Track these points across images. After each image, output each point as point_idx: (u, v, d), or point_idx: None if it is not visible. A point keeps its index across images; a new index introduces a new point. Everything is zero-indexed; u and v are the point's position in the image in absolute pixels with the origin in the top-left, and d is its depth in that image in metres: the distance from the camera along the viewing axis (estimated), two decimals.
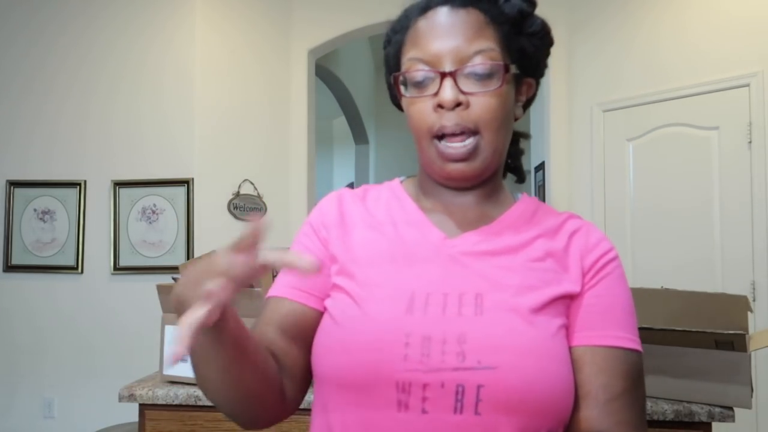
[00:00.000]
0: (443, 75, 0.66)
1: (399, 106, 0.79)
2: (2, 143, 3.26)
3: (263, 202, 3.34)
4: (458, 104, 0.66)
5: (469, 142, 0.67)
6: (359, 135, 6.22)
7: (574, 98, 3.40)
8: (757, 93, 2.74)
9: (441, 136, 0.67)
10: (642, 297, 1.38)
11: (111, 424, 2.52)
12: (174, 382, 1.62)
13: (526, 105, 0.77)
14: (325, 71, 4.71)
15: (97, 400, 3.07)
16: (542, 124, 3.57)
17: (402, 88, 0.70)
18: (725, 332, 1.35)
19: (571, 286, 0.68)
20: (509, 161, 0.82)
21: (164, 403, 1.56)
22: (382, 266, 0.69)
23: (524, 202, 0.77)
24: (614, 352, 0.67)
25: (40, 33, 3.26)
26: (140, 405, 1.60)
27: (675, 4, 3.03)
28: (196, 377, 0.64)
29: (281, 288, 0.73)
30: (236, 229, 3.23)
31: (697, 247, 2.87)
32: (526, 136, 0.82)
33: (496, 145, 0.69)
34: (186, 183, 3.11)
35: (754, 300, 2.69)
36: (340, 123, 7.41)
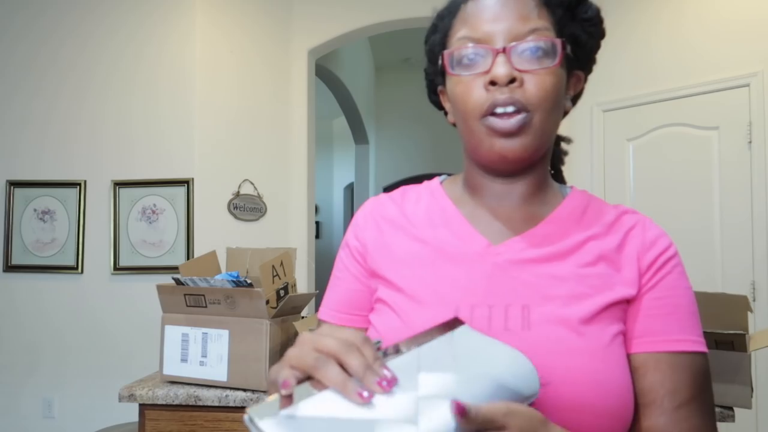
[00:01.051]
0: (496, 52, 0.63)
1: (437, 104, 0.76)
2: (2, 143, 3.26)
3: (263, 202, 3.34)
4: (512, 81, 0.62)
5: (521, 117, 0.62)
6: (359, 135, 6.23)
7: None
8: (757, 93, 2.74)
9: (491, 114, 0.63)
10: None
11: (111, 424, 2.52)
12: (174, 382, 1.62)
13: (574, 100, 0.73)
14: (325, 71, 4.71)
15: (97, 400, 3.07)
16: None
17: (449, 67, 0.66)
18: (725, 332, 1.35)
19: (625, 290, 0.65)
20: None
21: (164, 403, 1.56)
22: (424, 278, 0.67)
23: (574, 197, 0.73)
24: (679, 357, 0.63)
25: (41, 32, 3.26)
26: (140, 405, 1.60)
27: (675, 4, 3.03)
28: None
29: (329, 311, 0.75)
30: (236, 229, 3.23)
31: (698, 248, 2.87)
32: (569, 140, 0.79)
33: (547, 126, 0.65)
34: (186, 183, 3.11)
35: (754, 300, 2.69)
36: (340, 123, 7.41)
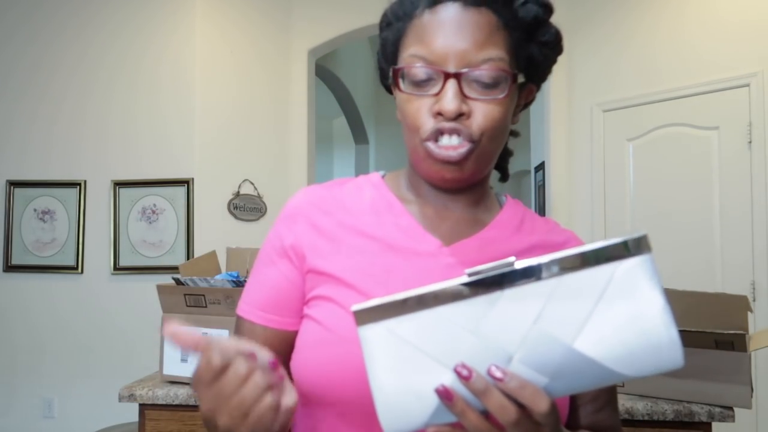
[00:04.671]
0: (447, 75, 0.61)
1: (389, 89, 0.74)
2: (2, 143, 3.26)
3: (263, 202, 3.34)
4: (460, 114, 0.61)
5: (464, 150, 0.62)
6: (359, 135, 6.22)
7: (574, 98, 3.40)
8: (757, 93, 2.74)
9: (434, 140, 0.63)
10: None
11: (111, 424, 2.52)
12: (174, 382, 1.62)
13: (523, 108, 0.74)
14: (325, 71, 4.71)
15: (97, 400, 3.07)
16: (542, 124, 3.57)
17: (400, 81, 0.65)
18: (725, 332, 1.36)
19: None
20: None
21: (164, 403, 1.56)
22: (377, 276, 0.65)
23: (510, 205, 0.75)
24: None
25: (38, 32, 3.26)
26: (140, 405, 1.60)
27: (675, 4, 3.03)
28: None
29: (253, 309, 0.70)
30: (236, 229, 3.23)
31: (697, 247, 2.87)
32: (516, 134, 0.78)
33: (490, 153, 0.66)
34: (186, 183, 3.11)
35: (754, 300, 2.69)
36: (340, 123, 7.41)
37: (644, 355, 0.43)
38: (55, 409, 3.16)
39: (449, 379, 0.44)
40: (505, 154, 0.80)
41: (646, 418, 1.43)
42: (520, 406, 0.44)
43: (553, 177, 3.45)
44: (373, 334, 0.45)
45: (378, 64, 0.74)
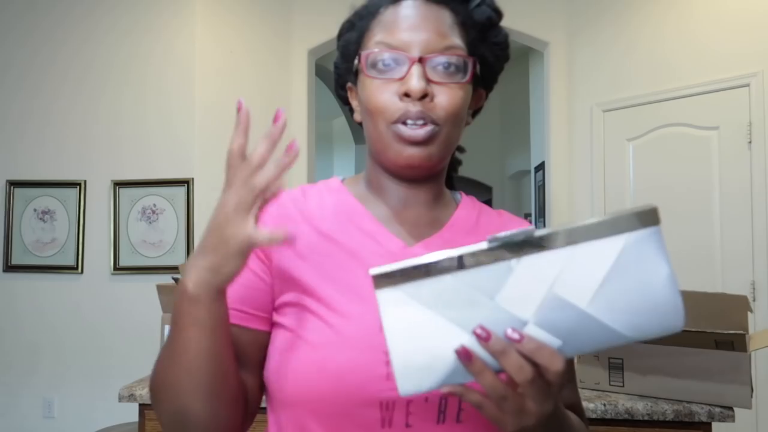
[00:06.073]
0: (413, 60, 0.64)
1: (344, 99, 0.77)
2: (2, 143, 3.26)
3: None
4: (425, 95, 0.64)
5: (429, 129, 0.65)
6: (359, 135, 6.23)
7: (574, 98, 3.40)
8: (757, 93, 2.74)
9: (401, 123, 0.65)
10: None
11: (111, 424, 2.52)
12: None
13: (473, 115, 0.76)
14: (325, 71, 4.71)
15: (97, 400, 3.07)
16: (542, 124, 3.57)
17: (365, 68, 0.67)
18: (725, 332, 1.36)
19: None
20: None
21: None
22: (344, 280, 0.66)
23: (466, 203, 0.77)
24: None
25: (42, 32, 3.26)
26: (140, 405, 1.60)
27: (677, 4, 3.03)
28: (174, 349, 0.60)
29: None
30: None
31: (697, 247, 2.87)
32: (462, 149, 0.81)
33: (452, 139, 0.68)
34: (186, 183, 3.11)
35: (754, 300, 2.69)
36: (340, 123, 7.41)
37: (650, 319, 0.46)
38: (55, 409, 3.16)
39: (466, 342, 0.47)
40: (454, 162, 0.82)
41: (646, 418, 1.43)
42: (535, 367, 0.47)
43: (553, 177, 3.46)
44: (392, 297, 0.47)
45: (335, 73, 0.77)
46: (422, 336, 0.47)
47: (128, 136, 3.18)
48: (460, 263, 0.46)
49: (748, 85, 2.76)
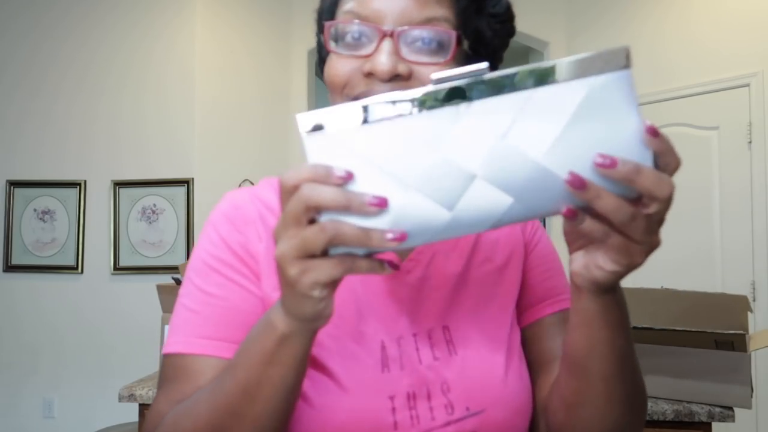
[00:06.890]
0: (383, 34, 0.53)
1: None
2: (2, 143, 3.26)
3: None
4: (396, 75, 0.53)
5: None
6: None
7: None
8: (757, 93, 2.74)
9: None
10: (642, 297, 1.38)
11: (111, 424, 2.52)
12: None
13: None
14: None
15: (97, 400, 3.07)
16: None
17: (332, 43, 0.56)
18: (725, 332, 1.36)
19: (517, 275, 0.66)
20: None
21: None
22: (350, 319, 0.59)
23: None
24: (564, 313, 0.65)
25: (42, 31, 3.26)
26: (140, 405, 1.60)
27: (677, 4, 3.03)
28: (248, 385, 0.47)
29: (197, 341, 0.57)
30: None
31: (697, 247, 2.87)
32: None
33: None
34: (186, 183, 3.11)
35: (754, 300, 2.69)
36: None
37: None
38: (55, 409, 3.16)
39: (401, 198, 0.40)
40: None
41: (646, 417, 1.43)
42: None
43: None
44: (320, 144, 0.40)
45: (318, 47, 0.67)
46: (354, 186, 0.40)
47: (128, 136, 3.18)
48: (400, 107, 0.39)
49: (748, 85, 2.76)
